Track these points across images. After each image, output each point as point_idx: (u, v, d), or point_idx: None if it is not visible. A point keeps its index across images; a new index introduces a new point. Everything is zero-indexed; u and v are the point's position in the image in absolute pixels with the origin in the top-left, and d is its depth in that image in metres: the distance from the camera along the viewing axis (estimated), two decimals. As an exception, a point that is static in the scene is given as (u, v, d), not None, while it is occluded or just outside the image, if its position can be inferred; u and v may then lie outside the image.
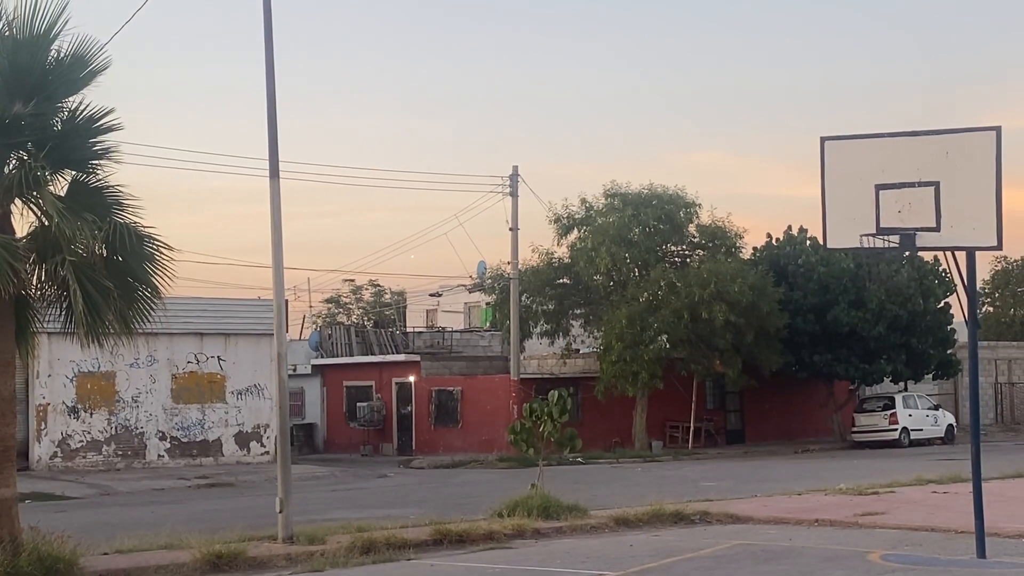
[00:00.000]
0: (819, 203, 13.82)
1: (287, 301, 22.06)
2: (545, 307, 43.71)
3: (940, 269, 45.13)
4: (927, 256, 43.68)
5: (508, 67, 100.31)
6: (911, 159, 13.10)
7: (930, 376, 48.00)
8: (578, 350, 45.08)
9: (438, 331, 53.00)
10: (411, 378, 45.81)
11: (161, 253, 14.66)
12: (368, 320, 61.55)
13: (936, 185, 12.98)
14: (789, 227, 46.51)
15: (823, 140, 13.77)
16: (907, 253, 14.65)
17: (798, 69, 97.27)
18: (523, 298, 42.83)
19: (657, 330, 39.60)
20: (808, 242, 45.51)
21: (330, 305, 66.52)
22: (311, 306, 61.12)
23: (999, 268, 63.28)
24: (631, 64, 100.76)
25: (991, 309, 63.46)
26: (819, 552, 15.05)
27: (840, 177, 13.44)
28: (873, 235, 13.25)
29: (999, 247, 13.02)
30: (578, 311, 44.36)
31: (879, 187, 13.19)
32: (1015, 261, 63.29)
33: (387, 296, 66.25)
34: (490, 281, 46.14)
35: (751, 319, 40.26)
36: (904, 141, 13.32)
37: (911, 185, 13.06)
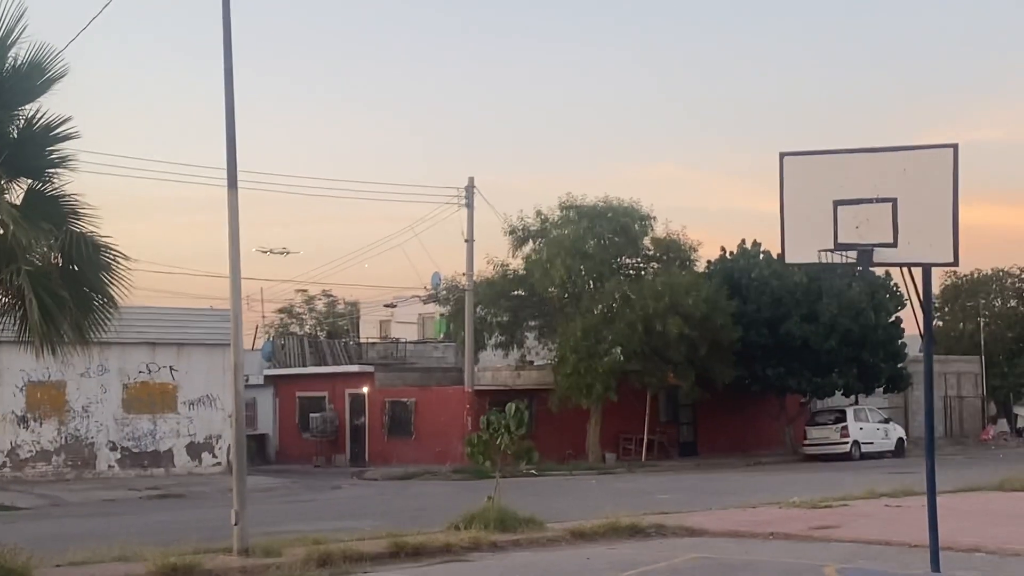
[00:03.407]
0: (775, 217, 13.88)
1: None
2: (500, 319, 43.75)
3: (892, 284, 45.56)
4: (879, 271, 44.11)
5: (465, 77, 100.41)
6: (869, 175, 13.19)
7: (881, 389, 48.47)
8: (532, 362, 45.12)
9: (392, 342, 52.88)
10: (364, 389, 45.66)
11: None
12: (321, 331, 61.41)
13: (894, 201, 13.06)
14: (743, 241, 46.92)
15: (782, 156, 13.82)
16: (859, 268, 14.70)
17: (754, 81, 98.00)
18: (478, 310, 42.81)
19: (611, 342, 39.72)
20: (762, 255, 45.84)
21: (283, 315, 66.25)
22: (264, 316, 60.97)
23: (949, 283, 63.99)
24: (587, 76, 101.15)
25: (940, 323, 64.07)
26: (776, 566, 15.12)
27: (799, 192, 13.51)
28: (831, 250, 13.30)
29: (955, 263, 13.13)
30: (533, 323, 44.41)
31: (837, 203, 13.25)
32: (964, 276, 64.01)
33: (341, 307, 66.06)
34: (445, 292, 46.12)
35: (705, 332, 40.46)
36: (862, 157, 13.41)
37: (869, 201, 13.13)
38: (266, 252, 59.52)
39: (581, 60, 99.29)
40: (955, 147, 13.07)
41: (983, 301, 64.32)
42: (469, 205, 42.14)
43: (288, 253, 59.09)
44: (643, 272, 43.46)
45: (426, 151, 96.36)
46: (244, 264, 17.04)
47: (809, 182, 13.48)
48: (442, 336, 52.19)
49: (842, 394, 47.60)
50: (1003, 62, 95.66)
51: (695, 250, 43.67)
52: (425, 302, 51.35)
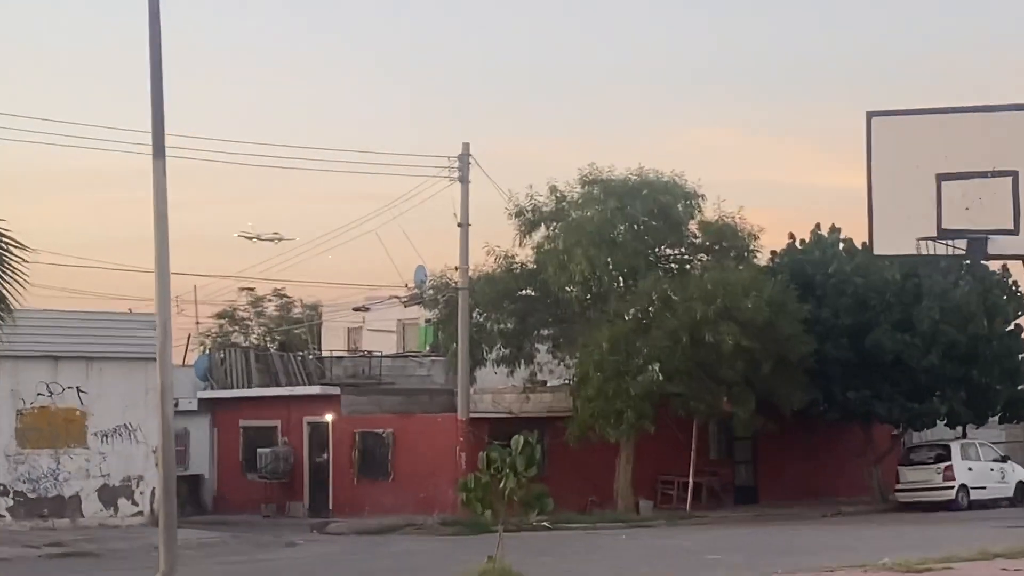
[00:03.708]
0: (860, 196, 13.90)
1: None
2: (503, 326, 43.71)
3: (1010, 281, 45.47)
4: (994, 265, 44.08)
5: (460, 17, 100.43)
6: (983, 142, 13.21)
7: (996, 419, 48.37)
8: (545, 382, 45.07)
9: (363, 356, 52.81)
10: (328, 417, 45.61)
11: (11, 254, 14.57)
12: (273, 341, 61.33)
13: (1015, 175, 13.10)
14: (818, 226, 46.79)
15: (870, 116, 13.86)
16: (969, 261, 14.65)
17: (832, 26, 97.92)
18: (474, 314, 42.77)
19: (647, 357, 39.68)
20: (842, 244, 45.78)
21: (223, 321, 66.19)
22: (198, 322, 60.80)
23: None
24: (615, 15, 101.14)
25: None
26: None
27: (892, 164, 13.54)
28: (933, 239, 13.36)
29: (1096, 255, 13.15)
30: (545, 332, 44.37)
31: (941, 177, 13.30)
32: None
33: (297, 310, 66.03)
34: (432, 292, 46.07)
35: (768, 344, 40.41)
36: (974, 119, 13.44)
37: (982, 175, 13.17)
38: (252, 239, 59.24)
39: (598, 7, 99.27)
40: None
41: None
42: (464, 179, 42.11)
43: (280, 239, 58.61)
44: (688, 266, 43.35)
45: (411, 111, 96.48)
46: (175, 254, 17.06)
47: (905, 151, 13.50)
48: (428, 349, 52.11)
49: (946, 424, 47.51)
50: None
51: (756, 238, 43.60)
52: (406, 304, 51.26)
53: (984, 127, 13.41)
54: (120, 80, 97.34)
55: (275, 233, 59.05)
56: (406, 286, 48.88)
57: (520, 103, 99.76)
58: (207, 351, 56.37)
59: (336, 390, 46.57)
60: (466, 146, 42.35)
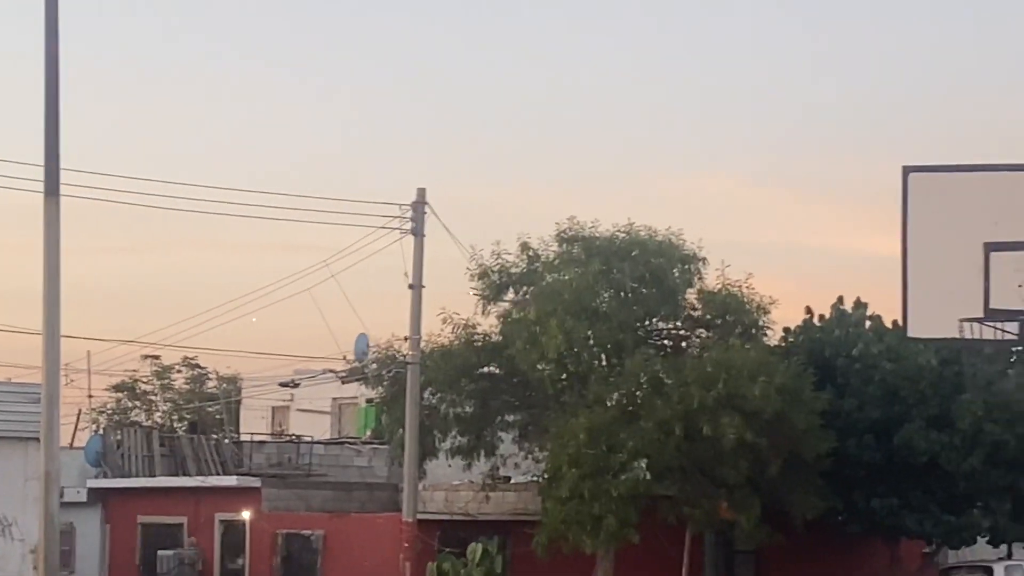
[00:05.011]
0: (894, 266, 13.99)
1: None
2: (460, 410, 43.72)
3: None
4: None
5: (414, 43, 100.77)
6: (1043, 205, 13.33)
7: (1049, 536, 48.48)
8: (509, 478, 45.08)
9: (290, 441, 52.78)
10: (245, 514, 45.55)
11: None
12: (181, 421, 61.19)
13: (1080, 245, 13.20)
14: (840, 299, 46.87)
15: (907, 171, 13.97)
16: (1018, 348, 14.76)
17: (855, 71, 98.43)
18: (426, 394, 42.80)
19: (633, 452, 39.67)
20: (868, 323, 45.90)
21: (122, 395, 66.12)
22: (91, 395, 60.70)
23: None
24: (601, 36, 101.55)
25: None
26: None
27: (932, 230, 13.64)
28: (979, 320, 13.43)
29: None
30: (511, 418, 44.43)
31: (990, 247, 13.37)
32: None
33: (212, 384, 65.97)
34: (375, 366, 46.06)
35: (778, 440, 40.47)
36: (1032, 177, 13.56)
37: (1040, 245, 13.27)
38: None
39: (594, 21, 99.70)
40: None
41: None
42: (417, 231, 42.22)
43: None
44: (685, 344, 43.49)
45: (356, 149, 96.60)
46: (66, 312, 17.05)
47: (947, 213, 13.59)
48: (369, 434, 52.08)
49: (988, 542, 47.57)
50: None
51: (766, 312, 43.71)
52: (344, 381, 51.21)
53: (1045, 186, 13.52)
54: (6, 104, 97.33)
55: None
56: (344, 358, 48.82)
57: (487, 143, 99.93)
58: (101, 431, 56.28)
59: (256, 482, 46.53)
60: (421, 192, 42.45)
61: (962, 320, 13.51)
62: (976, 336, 13.71)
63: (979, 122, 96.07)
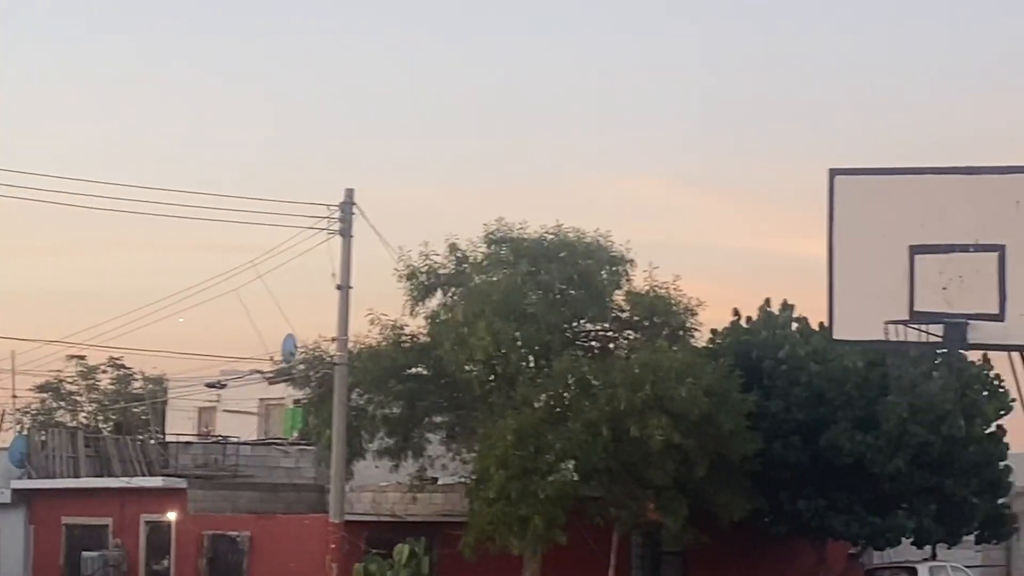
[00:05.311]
0: (820, 268, 14.01)
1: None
2: (388, 411, 43.56)
3: (991, 375, 45.80)
4: (974, 355, 44.36)
5: (343, 43, 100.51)
6: (965, 210, 13.29)
7: (972, 537, 48.62)
8: (436, 480, 44.97)
9: (216, 442, 52.49)
10: (171, 515, 45.28)
11: None
12: (106, 421, 60.72)
13: (1001, 251, 13.16)
14: (767, 301, 47.02)
15: (833, 173, 13.91)
16: (946, 350, 14.81)
17: (789, 66, 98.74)
18: (354, 395, 42.63)
19: (560, 453, 39.64)
20: (795, 325, 46.05)
21: (46, 395, 65.52)
22: (15, 396, 60.18)
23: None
24: (527, 48, 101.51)
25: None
26: None
27: (857, 232, 13.62)
28: (904, 322, 13.43)
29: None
30: (439, 419, 44.32)
31: (915, 250, 13.37)
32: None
33: (138, 384, 65.51)
34: (302, 367, 45.85)
35: (705, 441, 40.50)
36: (956, 182, 13.52)
37: (964, 249, 13.24)
38: None
39: (520, 23, 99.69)
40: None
41: None
42: (345, 232, 42.01)
43: None
44: (613, 345, 43.46)
45: (286, 147, 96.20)
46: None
47: (873, 217, 13.57)
48: (296, 435, 51.85)
49: (912, 543, 47.75)
50: None
51: (694, 314, 43.57)
52: (271, 381, 50.98)
53: (967, 192, 13.43)
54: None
55: None
56: (271, 359, 48.52)
57: (415, 144, 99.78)
58: (25, 431, 55.74)
59: (182, 483, 46.25)
60: (349, 192, 42.21)
61: (887, 322, 13.52)
62: (901, 338, 13.70)
63: (904, 124, 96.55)
